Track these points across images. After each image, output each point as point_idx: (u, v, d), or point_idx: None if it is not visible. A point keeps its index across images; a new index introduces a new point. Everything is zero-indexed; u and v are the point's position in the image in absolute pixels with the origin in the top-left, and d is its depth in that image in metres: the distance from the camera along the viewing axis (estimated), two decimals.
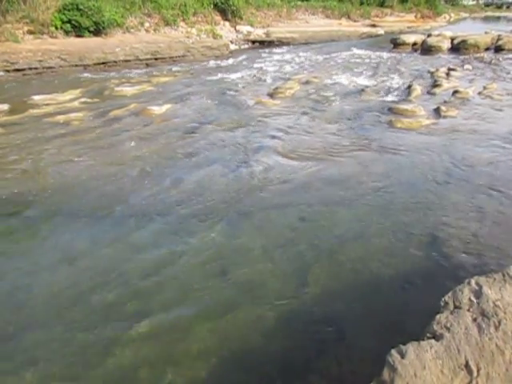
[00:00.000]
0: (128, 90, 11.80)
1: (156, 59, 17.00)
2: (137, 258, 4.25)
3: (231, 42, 22.06)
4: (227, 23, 24.48)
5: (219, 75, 14.29)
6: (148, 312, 3.53)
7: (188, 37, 20.02)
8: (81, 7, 16.49)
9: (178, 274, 4.01)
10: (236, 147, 7.29)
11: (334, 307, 3.57)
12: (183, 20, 21.39)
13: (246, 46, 23.07)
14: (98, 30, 17.06)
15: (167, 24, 20.42)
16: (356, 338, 3.27)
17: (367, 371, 2.25)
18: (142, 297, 3.71)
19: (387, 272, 3.99)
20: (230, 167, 6.44)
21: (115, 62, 15.94)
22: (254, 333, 3.34)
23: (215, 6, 23.69)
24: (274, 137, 7.76)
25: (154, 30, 19.71)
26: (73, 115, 9.15)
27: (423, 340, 2.16)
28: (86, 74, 14.54)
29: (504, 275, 2.57)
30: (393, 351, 2.10)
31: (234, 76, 14.09)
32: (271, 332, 3.34)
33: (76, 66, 15.15)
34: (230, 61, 17.94)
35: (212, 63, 17.34)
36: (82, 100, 10.67)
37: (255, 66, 16.42)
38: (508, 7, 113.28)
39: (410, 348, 2.09)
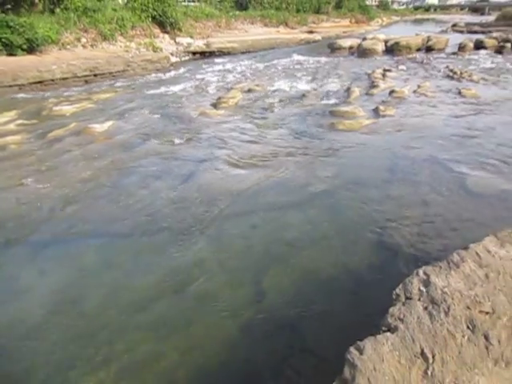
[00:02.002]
0: (67, 108, 11.38)
1: (95, 75, 16.53)
2: (90, 282, 4.09)
3: (172, 55, 21.87)
4: (166, 36, 24.29)
5: (161, 88, 14.12)
6: (106, 333, 3.39)
7: (127, 51, 19.65)
8: (11, 24, 15.76)
9: (132, 294, 3.90)
10: (182, 160, 7.22)
11: (292, 311, 3.59)
12: (121, 34, 20.99)
13: (187, 58, 22.97)
14: (31, 48, 16.35)
15: (105, 39, 19.95)
16: (316, 339, 3.30)
17: (330, 371, 2.27)
18: (98, 320, 3.56)
19: (340, 271, 4.07)
20: (177, 180, 6.35)
21: (52, 80, 15.33)
22: (215, 345, 3.29)
23: (153, 18, 23.45)
24: (219, 147, 7.75)
25: (92, 46, 19.19)
26: (9, 138, 8.69)
27: (379, 334, 2.22)
28: (21, 95, 13.90)
29: (449, 263, 2.69)
30: (351, 349, 2.14)
31: (176, 88, 13.97)
32: (231, 343, 3.30)
33: (10, 86, 14.42)
34: (172, 73, 17.79)
35: (153, 77, 17.12)
36: (19, 122, 10.17)
37: (197, 77, 16.39)
38: (435, 10, 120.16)
39: (368, 343, 2.13)
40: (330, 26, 43.10)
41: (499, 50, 21.61)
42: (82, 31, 19.29)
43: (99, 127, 9.26)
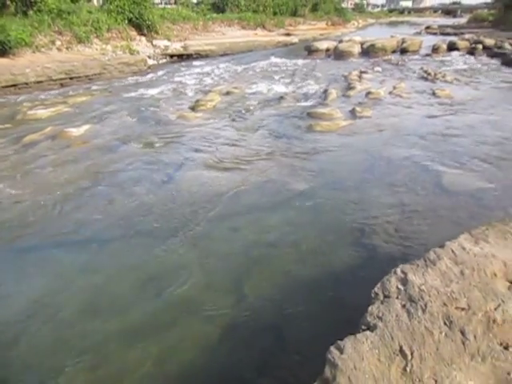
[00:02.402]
0: (42, 112, 11.16)
1: (71, 78, 16.27)
2: (67, 288, 4.02)
3: (149, 57, 21.70)
4: (143, 38, 24.10)
5: (139, 91, 14.01)
6: (87, 340, 3.34)
7: (103, 54, 19.40)
8: None
9: (112, 299, 3.84)
10: (161, 163, 7.17)
11: (273, 312, 3.60)
12: (97, 37, 20.70)
13: (165, 61, 22.84)
14: (3, 51, 15.97)
15: (80, 41, 19.63)
16: (297, 340, 3.31)
17: (312, 371, 2.28)
18: (76, 326, 3.50)
19: (321, 271, 4.11)
20: (156, 184, 6.31)
21: (26, 83, 15.02)
22: (196, 348, 3.27)
23: (130, 21, 23.23)
24: (198, 150, 7.73)
25: (67, 49, 18.86)
26: None
27: (359, 333, 2.24)
28: None
29: (426, 261, 2.74)
30: (332, 348, 2.15)
31: (153, 91, 13.88)
32: (213, 346, 3.29)
33: None
34: (149, 76, 17.67)
35: (130, 80, 16.97)
36: None
37: (175, 79, 16.31)
38: (409, 12, 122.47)
39: (348, 343, 2.15)
40: (306, 29, 43.48)
41: (471, 52, 22.16)
42: (56, 34, 18.96)
43: (76, 131, 9.12)
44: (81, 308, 3.74)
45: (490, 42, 23.38)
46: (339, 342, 2.17)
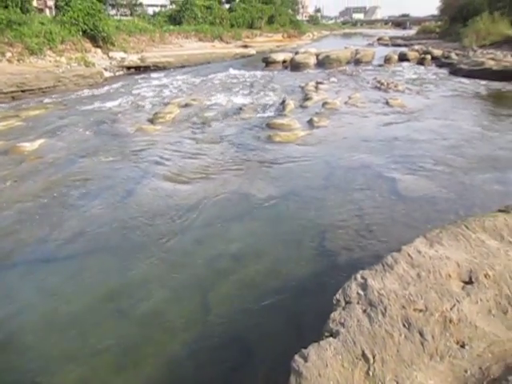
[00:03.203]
0: None
1: (23, 91, 15.71)
2: (24, 310, 3.85)
3: (105, 70, 21.32)
4: (99, 50, 23.70)
5: (95, 104, 13.72)
6: (44, 366, 3.20)
7: (57, 66, 18.88)
8: None
9: (72, 319, 3.71)
10: (119, 178, 7.03)
11: (238, 324, 3.59)
12: (50, 49, 20.15)
13: (122, 73, 22.52)
14: None
15: (32, 53, 19.01)
16: (263, 350, 3.32)
17: (278, 380, 2.29)
18: (33, 350, 3.36)
19: (284, 281, 4.14)
20: (115, 199, 6.17)
21: None
22: (161, 366, 3.21)
23: (84, 32, 22.80)
24: (158, 163, 7.64)
25: (18, 61, 18.23)
26: None
27: (322, 340, 2.27)
28: None
29: (384, 265, 2.82)
30: (296, 357, 2.17)
31: (110, 104, 13.62)
32: (178, 361, 3.24)
33: None
34: (106, 88, 17.35)
35: (86, 92, 16.59)
36: None
37: (133, 92, 16.09)
38: (362, 24, 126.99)
39: (312, 350, 2.18)
40: (263, 41, 44.15)
41: (421, 62, 23.18)
42: (6, 45, 18.32)
43: (29, 146, 8.80)
44: (38, 330, 3.59)
45: (437, 52, 24.54)
46: (303, 350, 2.19)
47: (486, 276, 2.64)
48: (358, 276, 2.72)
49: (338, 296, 2.60)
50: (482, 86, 15.65)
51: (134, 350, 3.35)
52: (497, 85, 15.63)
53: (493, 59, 18.84)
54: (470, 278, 2.65)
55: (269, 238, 4.99)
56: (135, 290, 4.09)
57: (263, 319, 3.63)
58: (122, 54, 24.59)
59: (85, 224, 5.41)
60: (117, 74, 22.16)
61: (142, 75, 21.46)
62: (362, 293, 2.55)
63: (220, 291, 4.04)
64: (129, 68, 23.32)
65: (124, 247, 4.85)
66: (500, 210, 3.79)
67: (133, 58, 24.50)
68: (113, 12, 49.50)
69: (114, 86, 17.98)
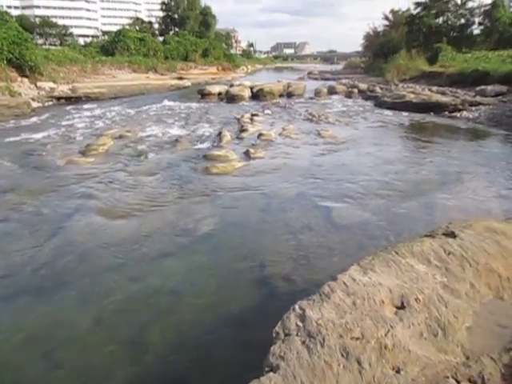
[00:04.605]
0: None
1: None
2: None
3: (33, 100, 20.45)
4: (26, 80, 22.78)
5: (22, 136, 13.00)
6: None
7: None
8: None
9: None
10: (48, 214, 6.65)
11: (178, 363, 3.46)
12: None
13: (51, 103, 21.72)
14: None
15: None
16: None
17: None
18: None
19: (224, 316, 4.07)
20: (43, 237, 5.79)
21: None
22: None
23: (9, 61, 21.85)
24: (90, 197, 7.33)
25: None
26: None
27: (263, 375, 2.24)
28: None
29: (321, 295, 2.87)
30: None
31: (39, 136, 12.98)
32: None
33: None
34: (34, 119, 16.57)
35: (12, 123, 15.73)
36: None
37: (63, 123, 15.50)
38: (292, 59, 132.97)
39: None
40: (198, 73, 44.71)
41: (349, 95, 24.55)
42: None
43: None
44: None
45: (363, 86, 26.16)
46: None
47: (416, 300, 2.77)
48: (297, 307, 2.74)
49: (277, 328, 2.60)
50: (404, 117, 16.82)
51: None
52: (417, 116, 16.88)
53: (413, 92, 20.41)
54: (402, 303, 2.76)
55: (207, 271, 4.92)
56: (62, 332, 3.83)
57: (203, 356, 3.52)
58: (51, 84, 23.82)
59: (5, 265, 5.02)
60: (46, 104, 21.35)
61: (73, 106, 20.81)
62: (300, 324, 2.56)
63: (157, 329, 3.88)
64: (59, 98, 22.59)
65: (50, 288, 4.54)
66: (426, 235, 4.03)
67: (63, 89, 23.80)
68: (41, 41, 48.13)
69: (43, 116, 17.25)
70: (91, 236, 5.79)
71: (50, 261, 5.11)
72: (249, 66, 71.14)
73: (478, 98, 18.26)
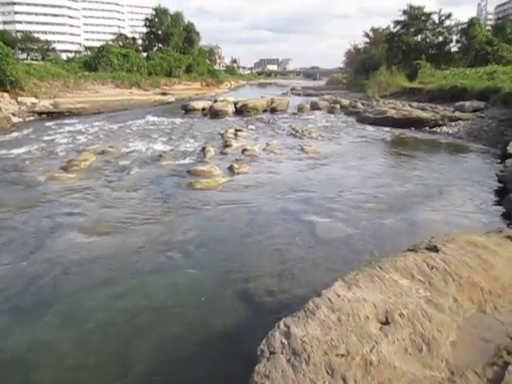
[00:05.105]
0: None
1: None
2: None
3: (13, 115, 20.21)
4: (6, 95, 22.55)
5: (1, 151, 12.79)
6: None
7: None
8: None
9: None
10: (29, 230, 6.51)
11: (161, 382, 3.39)
12: None
13: (32, 118, 21.49)
14: None
15: None
16: None
17: None
18: None
19: (208, 333, 4.01)
20: (22, 254, 5.65)
21: None
22: None
23: None
24: (72, 213, 7.22)
25: None
26: None
27: None
28: None
29: (306, 311, 2.85)
30: None
31: (19, 151, 12.77)
32: None
33: None
34: (14, 135, 16.35)
35: None
36: None
37: (44, 138, 15.31)
38: (276, 75, 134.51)
39: None
40: (182, 89, 44.81)
41: (331, 110, 24.86)
42: None
43: None
44: None
45: (345, 101, 26.55)
46: None
47: (400, 315, 2.77)
48: (282, 324, 2.71)
49: (262, 346, 2.56)
50: (386, 132, 17.09)
51: None
52: (399, 131, 17.20)
53: (394, 108, 20.79)
54: (387, 319, 2.76)
55: (192, 287, 4.86)
56: (42, 354, 3.72)
57: (187, 375, 3.45)
58: (32, 99, 23.60)
59: None
60: (27, 119, 21.12)
61: (55, 121, 20.59)
62: (285, 341, 2.54)
63: (141, 348, 3.81)
64: (40, 114, 22.38)
65: (30, 306, 4.43)
66: (409, 250, 4.06)
67: (45, 104, 23.59)
68: (23, 56, 47.85)
69: (24, 131, 17.03)
70: (72, 253, 5.68)
71: (30, 279, 4.99)
72: (232, 82, 71.64)
73: (457, 114, 18.68)
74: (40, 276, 5.07)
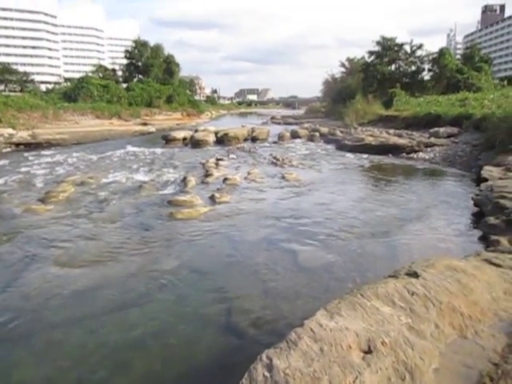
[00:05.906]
0: None
1: None
2: None
3: None
4: None
5: None
6: None
7: None
8: None
9: None
10: (2, 264, 6.33)
11: None
12: None
13: (9, 150, 21.23)
14: None
15: None
16: None
17: None
18: None
19: (189, 368, 3.91)
20: None
21: None
22: None
23: None
24: (49, 246, 7.05)
25: None
26: None
27: None
28: None
29: (288, 342, 2.80)
30: None
31: None
32: None
33: None
34: None
35: None
36: None
37: (21, 170, 15.09)
38: (256, 105, 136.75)
39: None
40: (163, 119, 45.05)
41: (311, 139, 25.26)
42: None
43: None
44: None
45: (324, 130, 27.03)
46: None
47: (383, 343, 2.75)
48: (264, 356, 2.66)
49: (244, 381, 2.50)
50: (364, 159, 17.38)
51: None
52: (377, 158, 17.52)
53: (371, 135, 21.24)
54: (369, 347, 2.73)
55: (173, 319, 4.75)
56: None
57: None
58: (9, 131, 23.38)
59: None
60: (4, 150, 20.87)
61: (34, 152, 20.39)
62: (267, 374, 2.48)
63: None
64: (18, 145, 22.18)
65: (5, 343, 4.26)
66: (390, 276, 4.07)
67: (22, 135, 23.37)
68: (1, 88, 47.65)
69: (0, 163, 16.75)
70: (48, 287, 5.51)
71: (3, 314, 4.81)
72: (213, 112, 72.42)
73: (433, 140, 19.18)
74: (14, 311, 4.90)
